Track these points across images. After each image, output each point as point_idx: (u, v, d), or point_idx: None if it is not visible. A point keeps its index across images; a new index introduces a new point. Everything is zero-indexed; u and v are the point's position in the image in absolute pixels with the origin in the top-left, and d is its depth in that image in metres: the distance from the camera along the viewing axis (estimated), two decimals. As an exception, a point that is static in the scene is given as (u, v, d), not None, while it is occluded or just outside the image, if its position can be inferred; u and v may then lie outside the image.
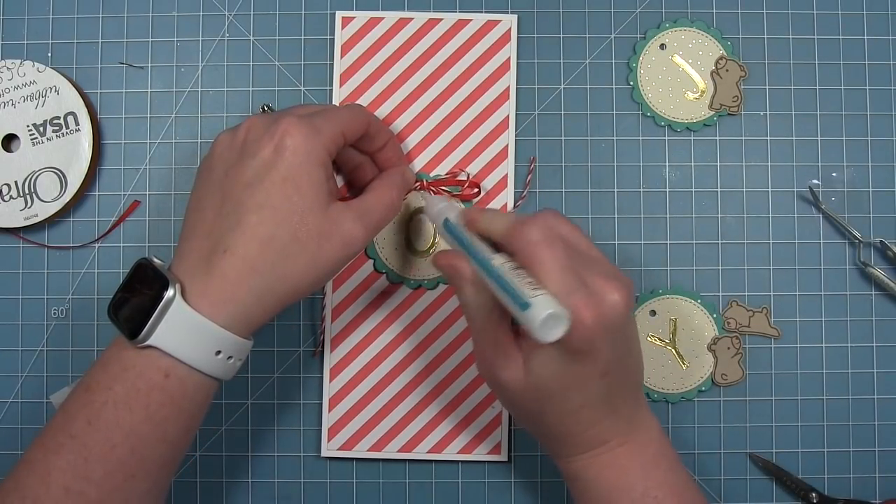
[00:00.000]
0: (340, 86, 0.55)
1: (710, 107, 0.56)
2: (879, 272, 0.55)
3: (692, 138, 0.56)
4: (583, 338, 0.41)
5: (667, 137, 0.56)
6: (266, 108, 0.55)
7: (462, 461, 0.55)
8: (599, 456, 0.46)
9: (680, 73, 0.56)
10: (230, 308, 0.43)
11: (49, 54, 0.56)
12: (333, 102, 0.55)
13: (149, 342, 0.42)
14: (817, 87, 0.56)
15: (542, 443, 0.49)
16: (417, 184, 0.54)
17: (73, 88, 0.55)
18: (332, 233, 0.44)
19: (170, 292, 0.42)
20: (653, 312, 0.55)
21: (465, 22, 0.55)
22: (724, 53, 0.56)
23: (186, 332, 0.42)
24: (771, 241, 0.56)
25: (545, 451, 0.48)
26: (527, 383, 0.44)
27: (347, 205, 0.46)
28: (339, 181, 0.54)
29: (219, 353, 0.43)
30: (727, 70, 0.56)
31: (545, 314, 0.39)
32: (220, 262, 0.43)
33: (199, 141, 0.56)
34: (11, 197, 0.54)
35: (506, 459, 0.55)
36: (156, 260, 0.44)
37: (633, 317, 0.44)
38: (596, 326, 0.41)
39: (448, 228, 0.47)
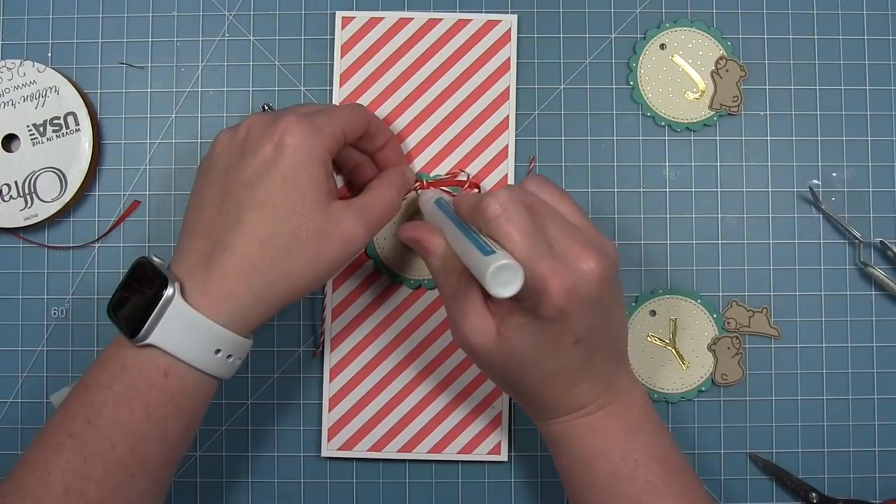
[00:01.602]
0: (340, 86, 0.55)
1: (710, 107, 0.56)
2: (879, 272, 0.55)
3: (692, 138, 0.56)
4: (552, 306, 0.41)
5: (667, 137, 0.56)
6: (267, 108, 0.55)
7: (462, 461, 0.55)
8: (578, 419, 0.46)
9: (680, 73, 0.56)
10: (230, 306, 0.43)
11: (49, 54, 0.56)
12: (333, 102, 0.55)
13: (148, 341, 0.42)
14: (817, 87, 0.56)
15: (520, 405, 0.49)
16: (417, 184, 0.54)
17: (73, 88, 0.55)
18: (332, 231, 0.44)
19: (169, 291, 0.42)
20: (653, 312, 0.55)
21: (465, 22, 0.55)
22: (724, 53, 0.56)
23: (185, 330, 0.42)
24: (771, 241, 0.56)
25: (525, 412, 0.49)
26: (500, 349, 0.44)
27: (347, 203, 0.46)
28: (339, 181, 0.54)
29: (218, 351, 0.43)
30: (727, 70, 0.56)
31: (494, 266, 0.38)
32: (219, 261, 0.43)
33: (199, 141, 0.56)
34: (11, 197, 0.54)
35: (506, 459, 0.55)
36: (155, 259, 0.44)
37: (617, 284, 0.44)
38: (565, 295, 0.41)
39: (439, 204, 0.48)
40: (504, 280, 0.39)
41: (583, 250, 0.42)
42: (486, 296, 0.45)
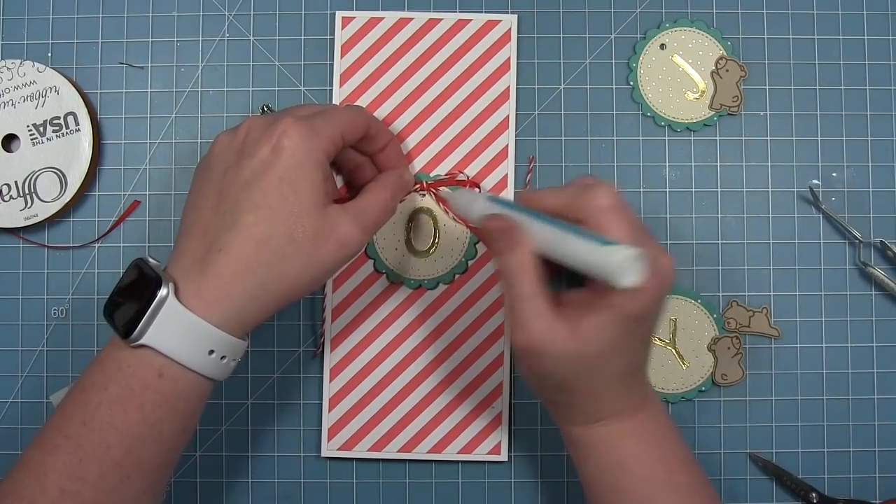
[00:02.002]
0: (340, 86, 0.55)
1: (710, 107, 0.56)
2: (879, 272, 0.55)
3: (692, 138, 0.56)
4: (645, 302, 0.42)
5: (667, 137, 0.56)
6: (266, 109, 0.55)
7: (462, 461, 0.55)
8: (614, 425, 0.46)
9: (680, 73, 0.56)
10: (224, 307, 0.43)
11: (49, 54, 0.56)
12: (333, 102, 0.55)
13: (142, 341, 0.42)
14: (817, 87, 0.56)
15: (556, 411, 0.48)
16: (417, 185, 0.54)
17: (73, 88, 0.55)
18: (328, 234, 0.44)
19: (163, 291, 0.42)
20: (653, 312, 0.55)
21: (465, 22, 0.55)
22: (724, 53, 0.56)
23: (179, 331, 0.42)
24: (771, 241, 0.56)
25: (555, 417, 0.48)
26: (575, 351, 0.43)
27: (343, 207, 0.46)
28: (339, 181, 0.54)
29: (212, 352, 0.43)
30: (727, 70, 0.56)
31: (622, 255, 0.39)
32: (214, 262, 0.43)
33: (199, 141, 0.56)
34: (11, 197, 0.54)
35: (506, 459, 0.55)
36: (151, 260, 0.44)
37: None
38: (657, 292, 0.42)
39: (498, 201, 0.47)
40: (628, 268, 0.40)
41: (660, 250, 0.44)
42: (557, 300, 0.45)
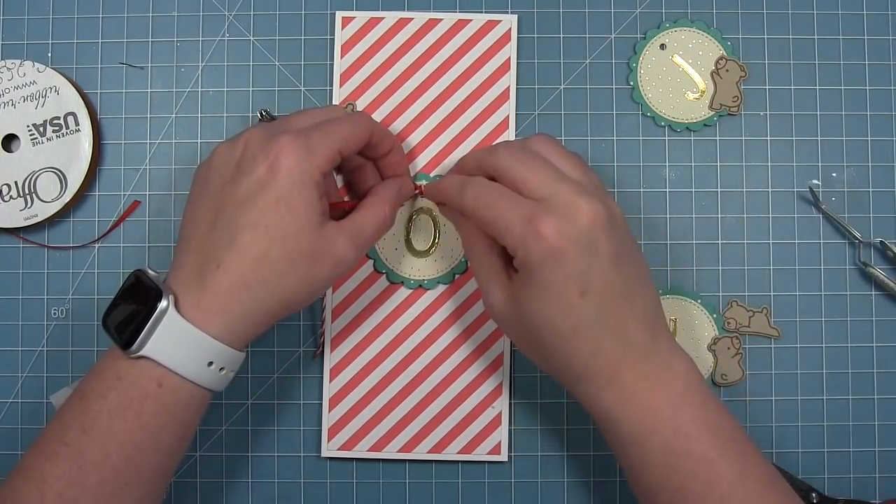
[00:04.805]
0: (340, 86, 0.55)
1: (710, 107, 0.56)
2: (879, 272, 0.55)
3: (692, 138, 0.56)
4: (540, 250, 0.42)
5: (667, 137, 0.56)
6: (264, 114, 0.54)
7: (462, 461, 0.55)
8: (621, 394, 0.44)
9: (680, 73, 0.56)
10: (222, 320, 0.43)
11: (49, 54, 0.56)
12: (334, 102, 0.55)
13: (142, 352, 0.43)
14: (817, 87, 0.56)
15: (561, 381, 0.47)
16: (417, 190, 0.54)
17: (73, 88, 0.55)
18: (324, 253, 0.45)
19: (163, 303, 0.43)
20: (653, 312, 0.55)
21: (465, 22, 0.55)
22: (724, 53, 0.56)
23: (179, 342, 0.43)
24: (771, 241, 0.56)
25: (571, 392, 0.47)
26: (511, 308, 0.46)
27: (339, 225, 0.46)
28: (339, 181, 0.54)
29: (211, 363, 0.44)
30: (727, 70, 0.56)
31: None
32: (212, 277, 0.43)
33: (199, 141, 0.56)
34: (11, 197, 0.54)
35: (506, 459, 0.55)
36: (150, 271, 0.45)
37: (620, 237, 0.44)
38: (554, 238, 0.42)
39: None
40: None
41: (575, 197, 0.43)
42: (507, 259, 0.47)
